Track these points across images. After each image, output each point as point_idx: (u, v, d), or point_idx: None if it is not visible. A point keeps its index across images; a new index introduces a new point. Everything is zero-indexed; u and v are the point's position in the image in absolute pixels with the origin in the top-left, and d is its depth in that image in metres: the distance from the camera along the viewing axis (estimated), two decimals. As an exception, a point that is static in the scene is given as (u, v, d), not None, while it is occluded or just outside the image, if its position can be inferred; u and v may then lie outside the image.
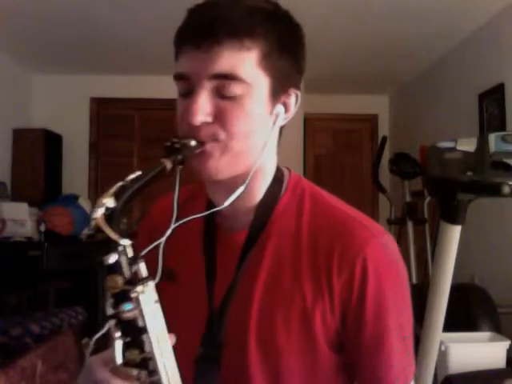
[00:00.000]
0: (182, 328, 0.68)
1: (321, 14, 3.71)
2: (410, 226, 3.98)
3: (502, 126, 3.48)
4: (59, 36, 4.10)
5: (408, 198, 4.09)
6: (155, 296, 0.62)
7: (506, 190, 1.35)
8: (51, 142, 4.75)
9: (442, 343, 2.25)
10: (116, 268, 0.60)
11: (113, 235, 0.58)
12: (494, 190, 1.37)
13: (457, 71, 4.27)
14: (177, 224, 0.70)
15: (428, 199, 4.04)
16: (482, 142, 1.48)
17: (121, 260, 0.60)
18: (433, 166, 1.51)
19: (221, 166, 0.72)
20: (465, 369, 2.22)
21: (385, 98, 6.01)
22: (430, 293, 1.59)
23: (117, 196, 0.59)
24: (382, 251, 0.75)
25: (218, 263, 0.80)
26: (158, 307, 0.62)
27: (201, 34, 0.69)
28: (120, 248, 0.59)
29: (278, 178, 0.82)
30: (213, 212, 0.78)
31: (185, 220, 0.71)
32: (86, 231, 4.08)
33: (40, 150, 4.60)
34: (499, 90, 3.55)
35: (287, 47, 0.74)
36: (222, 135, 0.70)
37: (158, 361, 0.61)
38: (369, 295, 0.73)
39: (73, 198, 4.32)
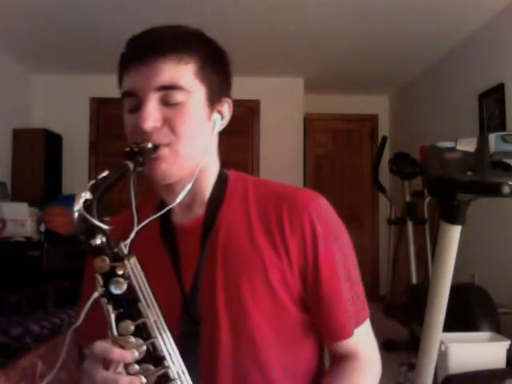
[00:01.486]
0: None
1: (321, 15, 3.71)
2: (410, 226, 3.98)
3: (502, 126, 3.48)
4: (59, 36, 4.10)
5: (408, 198, 4.09)
6: (140, 268, 0.71)
7: (506, 190, 1.35)
8: (51, 142, 4.75)
9: (442, 343, 2.25)
10: (100, 250, 0.68)
11: (95, 221, 0.67)
12: (494, 190, 1.37)
13: (457, 71, 4.27)
14: (140, 226, 0.77)
15: (428, 199, 4.04)
16: (482, 142, 1.48)
17: (105, 242, 0.69)
18: (433, 166, 1.51)
19: (173, 169, 0.82)
20: (465, 369, 2.22)
21: (385, 98, 6.01)
22: (430, 293, 1.59)
23: (92, 190, 0.69)
24: (323, 209, 0.87)
25: (181, 254, 0.88)
26: (143, 277, 0.71)
27: (145, 51, 0.80)
28: (102, 232, 0.68)
29: (222, 177, 0.92)
30: (167, 212, 0.87)
31: (146, 221, 0.79)
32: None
33: (40, 150, 4.60)
34: (499, 90, 3.55)
35: (217, 62, 0.87)
36: (171, 137, 0.80)
37: (152, 325, 0.69)
38: (320, 249, 0.83)
39: (73, 198, 4.30)
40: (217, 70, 0.86)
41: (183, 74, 0.80)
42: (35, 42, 4.26)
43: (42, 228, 3.94)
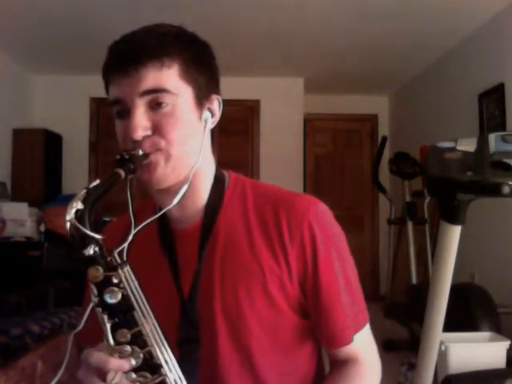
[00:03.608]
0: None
1: (320, 13, 3.71)
2: (409, 225, 3.98)
3: (502, 126, 3.48)
4: (59, 36, 4.10)
5: (408, 198, 4.09)
6: (134, 277, 0.70)
7: (506, 190, 1.35)
8: (51, 142, 4.75)
9: (442, 343, 2.25)
10: (94, 260, 0.68)
11: (87, 231, 0.66)
12: (494, 190, 1.37)
13: (457, 71, 4.27)
14: (136, 229, 0.77)
15: (428, 199, 4.04)
16: (482, 142, 1.48)
17: (98, 252, 0.68)
18: (433, 166, 1.51)
19: (167, 172, 0.80)
20: (465, 369, 2.22)
21: (385, 98, 6.01)
22: (430, 293, 1.59)
23: (84, 200, 0.68)
24: (322, 215, 0.86)
25: (180, 259, 0.87)
26: (137, 286, 0.70)
27: (126, 62, 0.79)
28: (94, 242, 0.68)
29: (220, 178, 0.91)
30: (165, 217, 0.87)
31: (143, 225, 0.78)
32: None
33: (40, 150, 4.60)
34: (499, 89, 3.55)
35: (201, 60, 0.85)
36: (163, 143, 0.79)
37: (147, 333, 0.69)
38: (320, 256, 0.83)
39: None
40: (202, 68, 0.84)
41: (168, 77, 0.79)
42: (35, 42, 4.26)
43: (42, 228, 3.95)
